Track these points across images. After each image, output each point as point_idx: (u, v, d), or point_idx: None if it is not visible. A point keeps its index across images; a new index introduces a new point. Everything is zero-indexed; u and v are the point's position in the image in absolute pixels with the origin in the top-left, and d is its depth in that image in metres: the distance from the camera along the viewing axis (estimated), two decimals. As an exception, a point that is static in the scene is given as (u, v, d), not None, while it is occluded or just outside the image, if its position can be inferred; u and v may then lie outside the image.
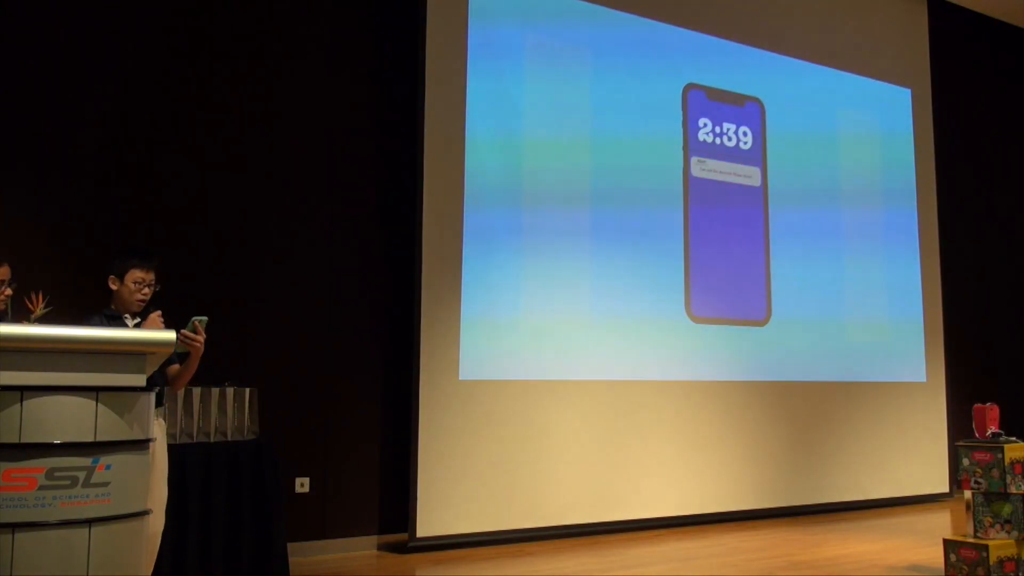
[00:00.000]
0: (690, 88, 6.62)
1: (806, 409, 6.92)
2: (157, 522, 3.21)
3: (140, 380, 2.60)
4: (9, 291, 2.88)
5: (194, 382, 3.73)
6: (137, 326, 3.32)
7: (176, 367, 3.39)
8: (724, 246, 6.66)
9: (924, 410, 7.56)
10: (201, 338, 3.28)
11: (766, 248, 6.86)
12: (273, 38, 5.33)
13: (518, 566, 4.90)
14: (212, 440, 4.34)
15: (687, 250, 6.45)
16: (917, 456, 7.45)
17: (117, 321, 3.31)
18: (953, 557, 4.31)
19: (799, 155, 7.15)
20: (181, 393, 4.23)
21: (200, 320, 3.28)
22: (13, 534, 2.29)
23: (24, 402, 2.37)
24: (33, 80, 4.64)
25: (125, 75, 4.89)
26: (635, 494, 6.02)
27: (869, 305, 7.36)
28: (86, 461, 2.41)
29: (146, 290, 3.35)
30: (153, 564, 3.22)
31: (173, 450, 3.74)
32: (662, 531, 6.01)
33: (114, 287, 3.36)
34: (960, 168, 8.39)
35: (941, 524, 6.42)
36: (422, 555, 5.17)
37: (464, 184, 5.58)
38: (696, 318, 6.43)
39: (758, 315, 6.76)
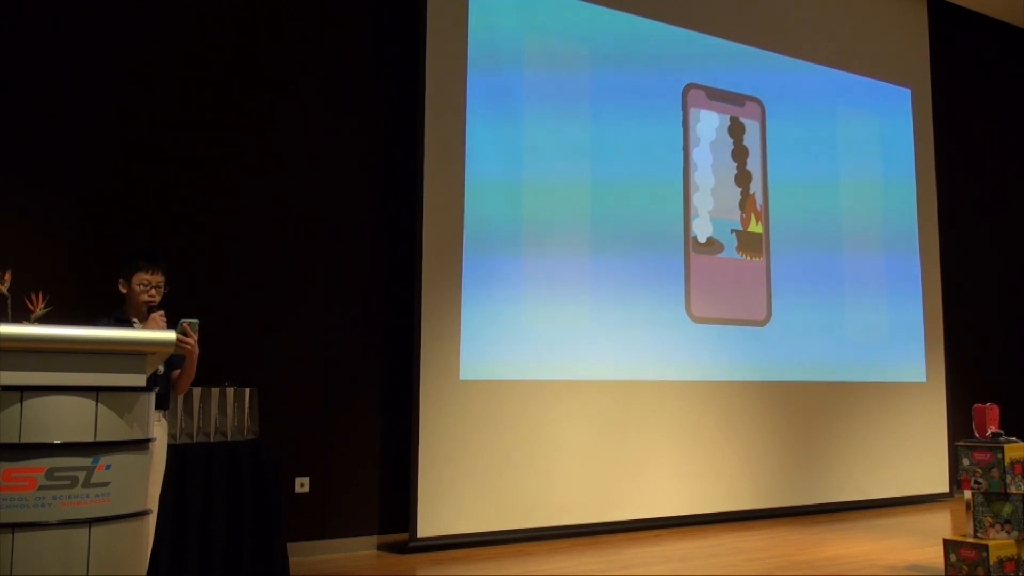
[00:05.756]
0: (690, 88, 6.62)
1: (806, 409, 6.92)
2: (149, 523, 3.21)
3: (140, 380, 2.60)
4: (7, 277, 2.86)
5: (194, 382, 3.72)
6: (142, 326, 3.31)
7: (178, 371, 3.39)
8: (720, 241, 6.67)
9: (924, 410, 7.56)
10: (192, 340, 3.27)
11: (766, 248, 6.86)
12: (276, 66, 5.33)
13: (518, 566, 4.90)
14: (212, 440, 4.34)
15: (687, 249, 6.45)
16: (917, 456, 7.45)
17: (125, 325, 3.30)
18: (953, 557, 4.31)
19: (799, 155, 7.15)
20: (180, 395, 4.23)
21: (190, 323, 3.26)
22: (13, 534, 2.29)
23: (24, 402, 2.37)
24: (39, 84, 4.64)
25: (132, 78, 4.88)
26: (635, 494, 6.02)
27: (869, 305, 7.36)
28: (86, 461, 2.41)
29: (152, 291, 3.35)
30: (146, 564, 3.21)
31: (173, 450, 3.74)
32: (662, 531, 6.01)
33: (123, 291, 3.37)
34: (960, 168, 8.39)
35: (941, 524, 6.42)
36: (422, 555, 5.17)
37: (465, 180, 5.58)
38: (696, 317, 6.43)
39: (758, 315, 6.75)
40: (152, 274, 3.35)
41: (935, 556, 4.83)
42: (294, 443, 5.11)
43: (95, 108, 4.79)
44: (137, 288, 3.34)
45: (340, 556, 5.16)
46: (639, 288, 6.19)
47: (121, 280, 3.37)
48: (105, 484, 2.43)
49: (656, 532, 5.97)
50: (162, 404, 3.32)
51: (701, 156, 6.62)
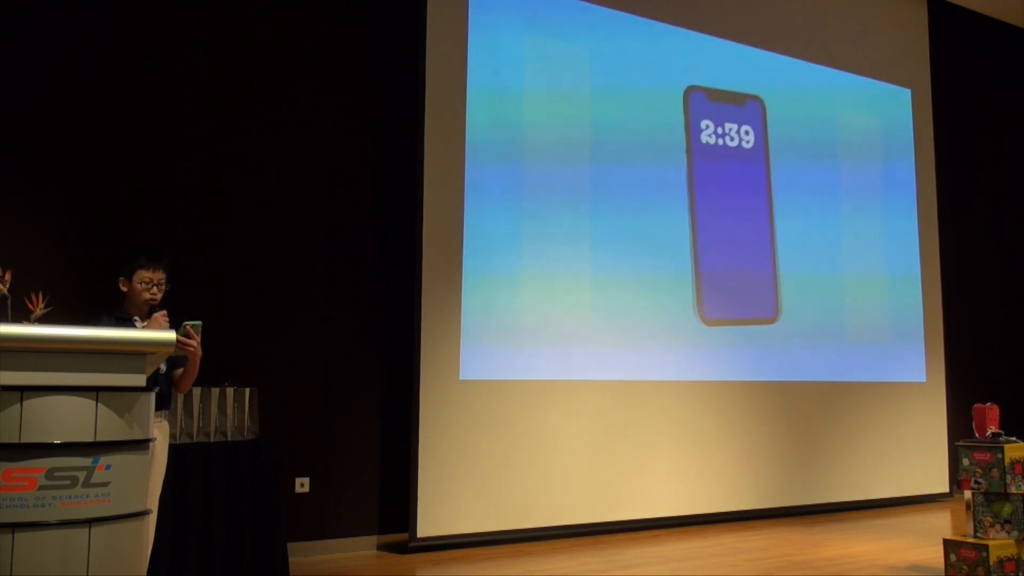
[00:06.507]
0: (691, 90, 6.62)
1: (806, 409, 6.92)
2: (150, 523, 3.20)
3: (140, 380, 2.60)
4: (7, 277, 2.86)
5: (194, 382, 3.73)
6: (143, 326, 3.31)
7: (181, 371, 3.39)
8: (730, 247, 6.66)
9: (924, 410, 7.56)
10: (195, 342, 3.26)
11: (772, 248, 6.86)
12: (276, 65, 5.33)
13: (518, 566, 4.90)
14: (212, 440, 4.34)
15: (695, 249, 6.44)
16: (917, 456, 7.45)
17: (127, 323, 3.29)
18: (953, 557, 4.31)
19: (800, 155, 7.15)
20: (182, 394, 4.23)
21: (193, 324, 3.25)
22: (13, 534, 2.29)
23: (24, 402, 2.37)
24: (39, 84, 4.64)
25: (132, 79, 4.88)
26: (635, 494, 6.02)
27: (869, 305, 7.36)
28: (86, 461, 2.41)
29: (154, 289, 3.33)
30: (147, 565, 3.21)
31: (173, 450, 3.74)
32: (662, 531, 6.01)
33: (124, 289, 3.35)
34: (960, 168, 8.39)
35: (941, 524, 6.42)
36: (422, 555, 5.17)
37: (465, 181, 5.58)
38: (702, 319, 6.43)
39: (762, 315, 6.75)
40: (153, 272, 3.33)
41: (935, 556, 4.83)
42: (294, 443, 5.11)
43: (95, 109, 4.78)
44: (138, 286, 3.32)
45: (340, 556, 5.16)
46: (639, 288, 6.19)
47: (122, 278, 3.35)
48: (105, 484, 2.43)
49: (656, 532, 5.97)
50: (163, 404, 3.31)
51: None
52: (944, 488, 7.56)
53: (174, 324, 3.24)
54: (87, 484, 2.40)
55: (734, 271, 6.67)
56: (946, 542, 4.39)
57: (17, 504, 2.31)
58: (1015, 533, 4.24)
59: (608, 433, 5.95)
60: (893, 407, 7.38)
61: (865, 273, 7.37)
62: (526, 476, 5.61)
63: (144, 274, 3.32)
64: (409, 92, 5.64)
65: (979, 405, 4.54)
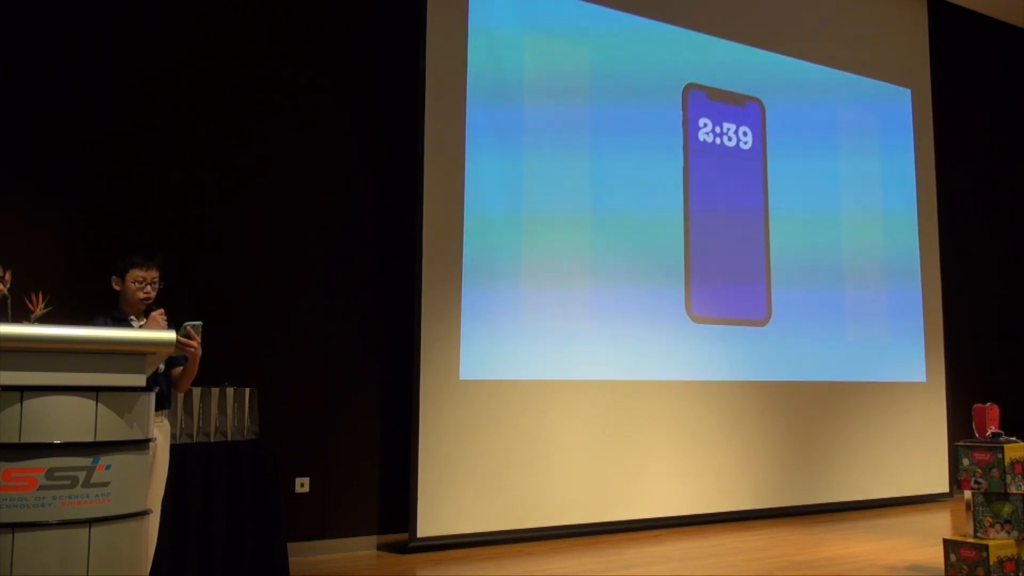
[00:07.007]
0: (690, 88, 6.62)
1: (806, 409, 6.92)
2: (153, 524, 3.20)
3: (140, 380, 2.60)
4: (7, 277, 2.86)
5: (194, 382, 3.73)
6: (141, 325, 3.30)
7: (179, 369, 3.38)
8: (724, 246, 6.66)
9: (924, 410, 7.56)
10: (195, 342, 3.25)
11: (766, 248, 6.86)
12: (276, 66, 5.33)
13: (518, 566, 4.90)
14: (212, 440, 4.34)
15: (687, 250, 6.45)
16: (917, 456, 7.45)
17: (123, 323, 3.26)
18: (953, 557, 4.31)
19: (799, 155, 7.15)
20: (181, 393, 4.23)
21: (194, 325, 3.24)
22: (13, 534, 2.29)
23: (24, 402, 2.37)
24: (39, 84, 4.64)
25: (132, 79, 4.88)
26: (635, 494, 6.02)
27: (869, 305, 7.36)
28: (86, 461, 2.41)
29: (148, 288, 3.29)
30: (149, 565, 3.21)
31: (173, 450, 3.74)
32: (662, 531, 6.01)
33: (117, 288, 3.32)
34: (960, 168, 8.39)
35: (941, 524, 6.42)
36: (422, 555, 5.17)
37: (465, 179, 5.58)
38: (696, 318, 6.43)
39: (758, 315, 6.75)
40: (147, 271, 3.29)
41: (935, 556, 4.83)
42: (294, 443, 5.11)
43: (95, 109, 4.78)
44: (132, 285, 3.28)
45: (340, 556, 5.16)
46: (639, 288, 6.19)
47: (115, 277, 3.32)
48: (105, 484, 2.43)
49: (656, 532, 5.97)
50: (163, 403, 3.30)
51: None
52: (944, 488, 7.56)
53: (174, 324, 3.23)
54: (87, 484, 2.40)
55: (726, 271, 6.66)
56: (946, 542, 4.39)
57: (17, 504, 2.31)
58: (1015, 533, 4.24)
59: (608, 433, 5.95)
60: (893, 407, 7.38)
61: (865, 273, 7.37)
62: (526, 476, 5.61)
63: (137, 273, 3.28)
64: (409, 92, 5.64)
65: (979, 405, 4.54)
